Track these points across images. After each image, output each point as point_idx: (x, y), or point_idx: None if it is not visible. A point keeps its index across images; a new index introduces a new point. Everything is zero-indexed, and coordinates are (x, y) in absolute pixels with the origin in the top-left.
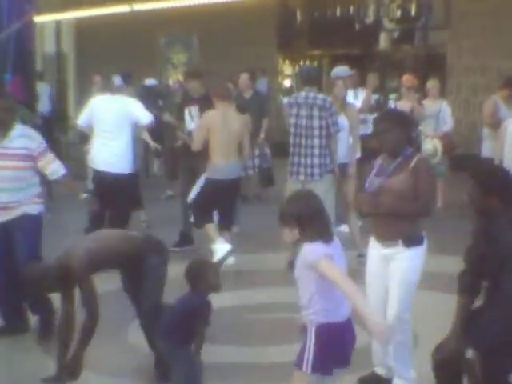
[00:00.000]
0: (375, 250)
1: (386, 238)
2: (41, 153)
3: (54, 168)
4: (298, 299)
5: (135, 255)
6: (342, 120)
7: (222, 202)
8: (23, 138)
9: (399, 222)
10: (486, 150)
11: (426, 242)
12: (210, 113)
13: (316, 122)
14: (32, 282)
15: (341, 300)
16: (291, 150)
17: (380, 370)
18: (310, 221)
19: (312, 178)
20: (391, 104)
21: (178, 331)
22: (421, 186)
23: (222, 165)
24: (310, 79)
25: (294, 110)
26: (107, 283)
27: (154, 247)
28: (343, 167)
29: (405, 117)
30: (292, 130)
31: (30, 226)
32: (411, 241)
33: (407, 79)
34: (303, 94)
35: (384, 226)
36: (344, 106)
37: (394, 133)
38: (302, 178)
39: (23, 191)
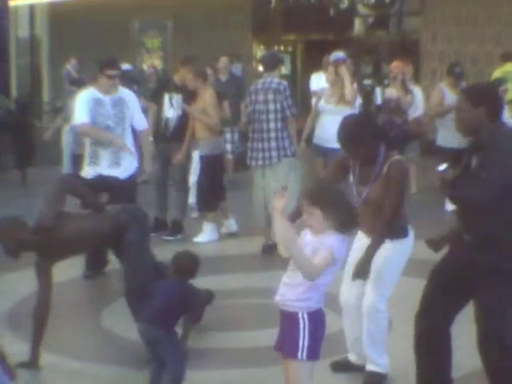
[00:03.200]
0: (360, 241)
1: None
2: None
3: None
4: (273, 284)
5: (114, 229)
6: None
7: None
8: None
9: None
10: (441, 139)
11: (411, 233)
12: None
13: (271, 106)
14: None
15: (325, 287)
16: (250, 136)
17: (352, 356)
18: (337, 210)
19: (270, 162)
20: (377, 92)
21: (168, 316)
22: (386, 198)
23: (217, 140)
24: (269, 65)
25: (253, 97)
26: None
27: (131, 217)
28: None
29: (372, 122)
30: (251, 116)
31: None
32: (393, 233)
33: (396, 66)
34: (261, 80)
35: (367, 219)
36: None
37: (365, 145)
38: (260, 162)
39: None
